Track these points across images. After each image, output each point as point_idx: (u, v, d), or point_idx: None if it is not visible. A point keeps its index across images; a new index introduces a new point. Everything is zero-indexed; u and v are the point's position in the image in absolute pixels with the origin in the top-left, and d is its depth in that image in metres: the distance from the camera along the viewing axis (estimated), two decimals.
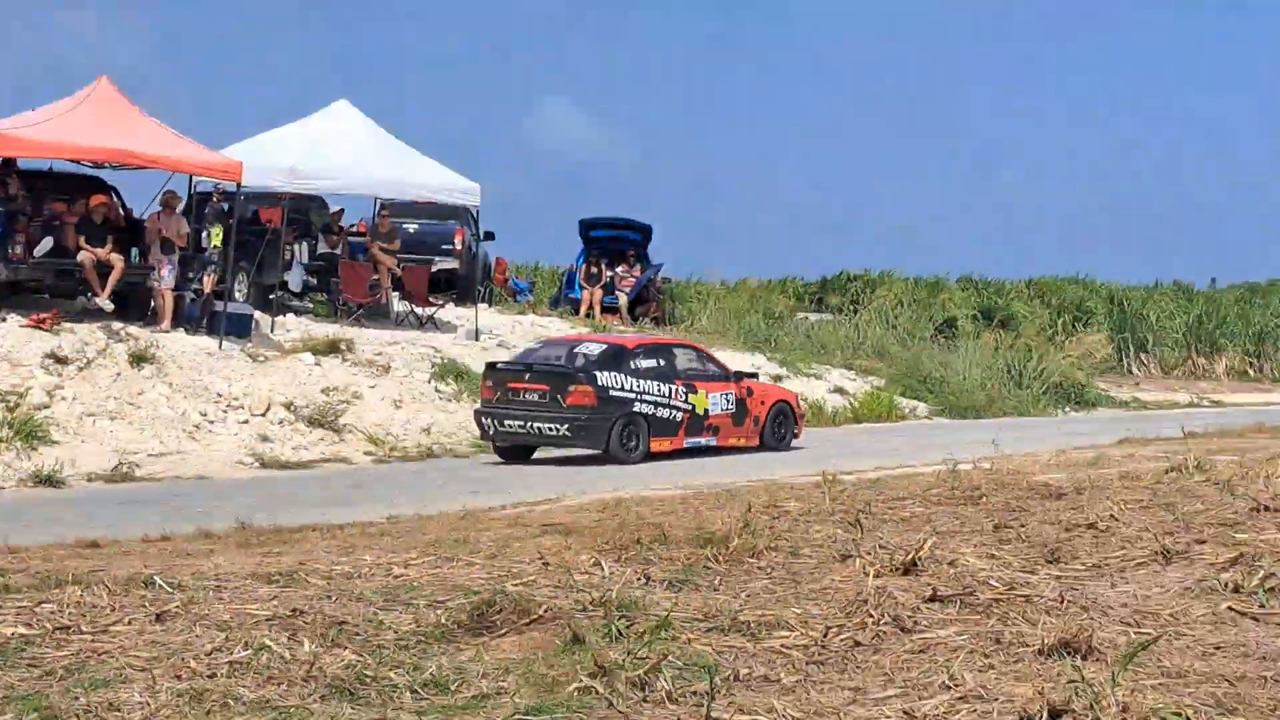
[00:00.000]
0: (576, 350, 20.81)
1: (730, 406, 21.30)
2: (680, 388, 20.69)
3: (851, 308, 41.26)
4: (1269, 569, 8.52)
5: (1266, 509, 11.08)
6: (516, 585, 8.14)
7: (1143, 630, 7.10)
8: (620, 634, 7.05)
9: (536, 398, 19.68)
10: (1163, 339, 44.99)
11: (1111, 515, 10.86)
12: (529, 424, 19.65)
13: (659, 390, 20.39)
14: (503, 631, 7.28)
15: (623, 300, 31.19)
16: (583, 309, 30.25)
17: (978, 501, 11.96)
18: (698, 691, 6.10)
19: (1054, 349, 38.69)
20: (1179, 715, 5.59)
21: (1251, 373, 45.79)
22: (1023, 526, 10.57)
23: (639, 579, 8.52)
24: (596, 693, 6.12)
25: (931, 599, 7.91)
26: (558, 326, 26.95)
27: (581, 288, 31.23)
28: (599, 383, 19.68)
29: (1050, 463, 15.91)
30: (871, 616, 7.42)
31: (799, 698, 6.14)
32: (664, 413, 20.39)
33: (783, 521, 10.89)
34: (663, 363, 20.98)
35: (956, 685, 6.23)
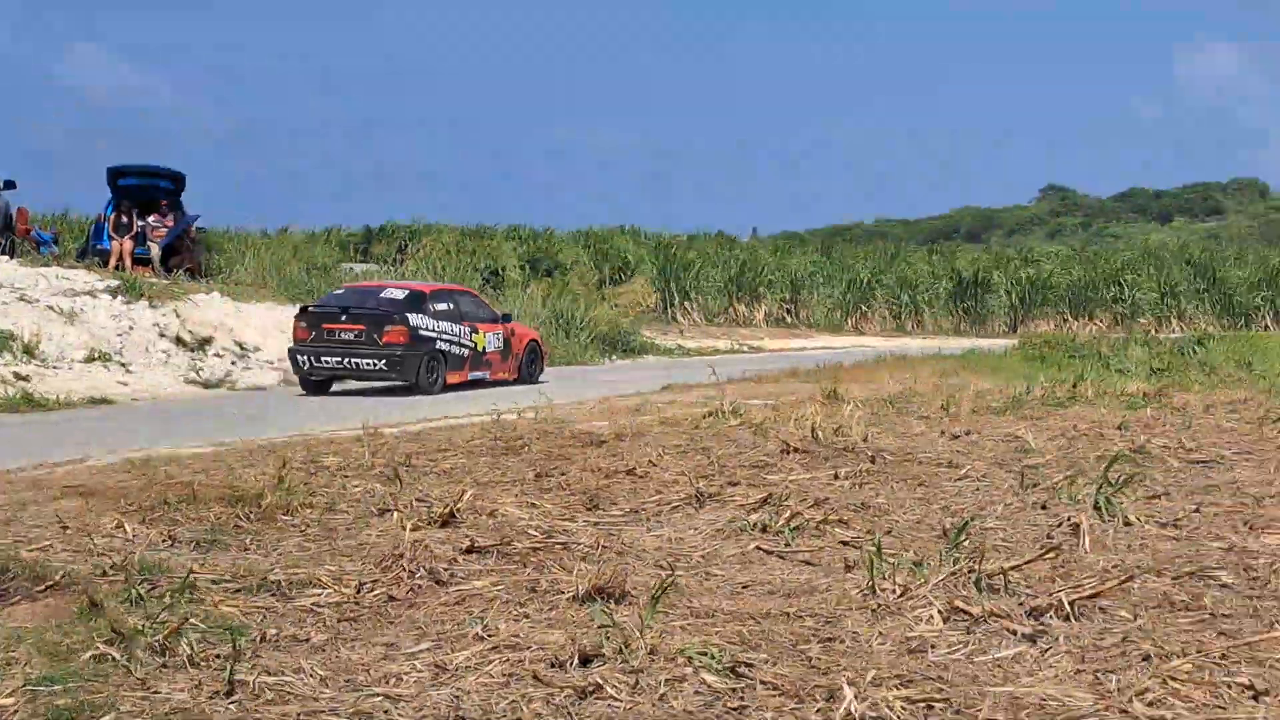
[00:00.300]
0: (383, 295, 23.38)
1: (500, 345, 24.20)
2: (467, 328, 23.39)
3: (398, 258, 40.95)
4: (795, 508, 8.81)
5: (796, 450, 11.52)
6: (32, 551, 7.64)
7: (675, 572, 7.19)
8: (141, 598, 6.68)
9: (353, 336, 22.00)
10: (706, 287, 46.44)
11: (650, 461, 11.06)
12: (347, 359, 21.93)
13: (453, 330, 23.05)
14: (15, 600, 6.80)
15: (155, 251, 29.83)
16: (112, 261, 28.75)
17: (520, 451, 12.00)
18: (221, 655, 5.82)
19: (601, 298, 39.36)
20: (704, 654, 5.65)
21: (789, 319, 47.86)
22: (563, 475, 10.63)
23: (164, 540, 8.13)
24: (113, 660, 5.76)
25: (469, 550, 7.82)
26: (85, 280, 25.60)
27: (110, 238, 29.67)
28: (410, 323, 22.13)
29: (594, 410, 16.15)
30: (407, 570, 7.27)
31: (329, 656, 5.94)
32: (456, 350, 23.07)
33: (320, 477, 10.64)
34: (452, 306, 23.57)
35: (490, 635, 6.15)
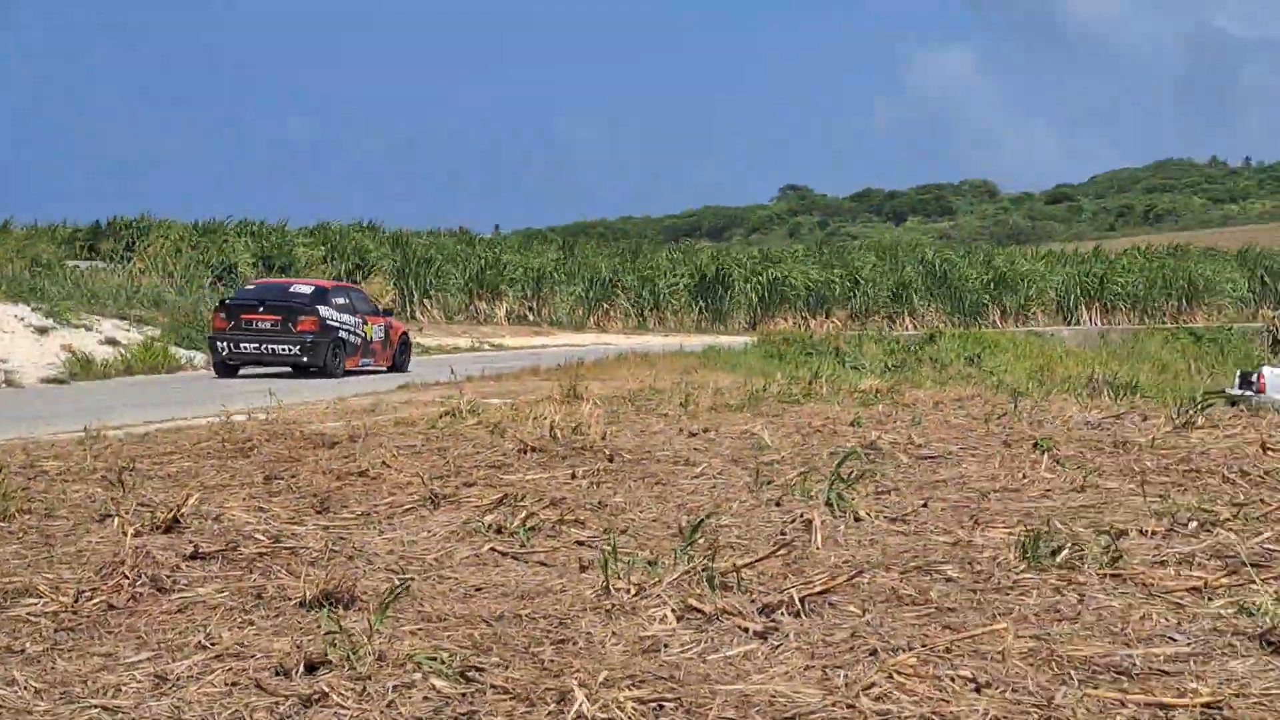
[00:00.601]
0: (292, 290, 26.71)
1: (383, 336, 27.56)
2: (360, 320, 26.79)
3: (126, 255, 39.69)
4: (530, 508, 8.73)
5: (533, 450, 11.44)
6: None
7: (407, 576, 7.04)
8: None
9: (269, 326, 25.15)
10: (446, 285, 46.15)
11: (383, 462, 10.87)
12: (264, 346, 25.06)
13: (350, 321, 26.43)
14: None
15: None
16: None
17: (250, 454, 11.70)
18: None
19: None
20: (434, 659, 5.52)
21: (531, 317, 47.88)
22: (294, 477, 10.38)
23: None
24: None
25: (194, 556, 7.54)
26: None
27: None
28: (320, 314, 25.47)
29: (328, 411, 15.84)
30: (128, 578, 6.97)
31: (44, 668, 5.66)
32: (353, 339, 26.35)
33: (39, 482, 10.21)
34: (348, 300, 26.98)
35: (214, 644, 5.92)
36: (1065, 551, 7.23)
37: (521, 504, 8.92)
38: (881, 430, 12.97)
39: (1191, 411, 13.60)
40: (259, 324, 25.15)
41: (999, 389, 19.15)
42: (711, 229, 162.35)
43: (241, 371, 25.76)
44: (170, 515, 8.43)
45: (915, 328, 52.06)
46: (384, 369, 27.09)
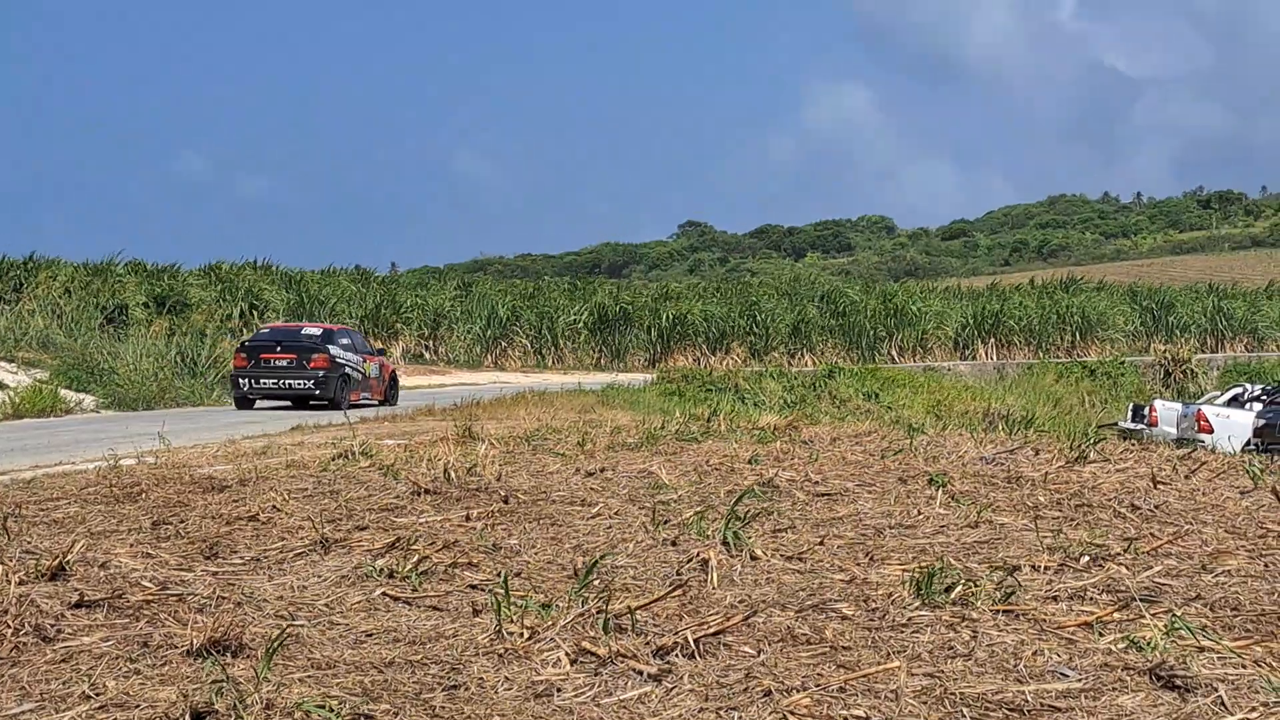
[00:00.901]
0: (303, 332, 30.34)
1: (377, 372, 31.23)
2: (360, 358, 30.25)
3: (14, 296, 39.04)
4: (423, 551, 8.62)
5: (427, 492, 11.32)
6: None
7: (297, 622, 6.92)
8: None
9: (285, 364, 28.64)
10: (341, 324, 45.86)
11: (274, 506, 10.70)
12: (281, 381, 28.56)
13: (353, 359, 29.91)
14: None
15: None
16: None
17: (138, 498, 11.47)
18: None
19: (231, 335, 38.42)
20: (323, 707, 5.42)
21: (428, 355, 47.64)
22: (183, 522, 10.18)
23: None
24: None
25: (79, 604, 7.36)
26: None
27: None
28: (330, 353, 29.00)
29: (218, 454, 15.61)
30: (10, 627, 6.80)
31: None
32: (355, 374, 29.82)
33: None
34: (350, 341, 30.63)
35: (98, 694, 5.78)
36: (959, 588, 7.24)
37: (414, 547, 8.81)
38: (779, 467, 12.97)
39: (1084, 445, 13.74)
40: (276, 362, 28.77)
41: (896, 424, 19.26)
42: (611, 266, 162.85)
43: (257, 405, 29.29)
44: (55, 562, 8.23)
45: (815, 363, 52.33)
46: (377, 402, 30.54)
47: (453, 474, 11.87)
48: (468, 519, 10.20)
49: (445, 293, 51.66)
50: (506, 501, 10.96)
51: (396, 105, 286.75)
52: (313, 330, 30.56)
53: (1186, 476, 12.26)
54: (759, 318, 55.25)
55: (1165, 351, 59.03)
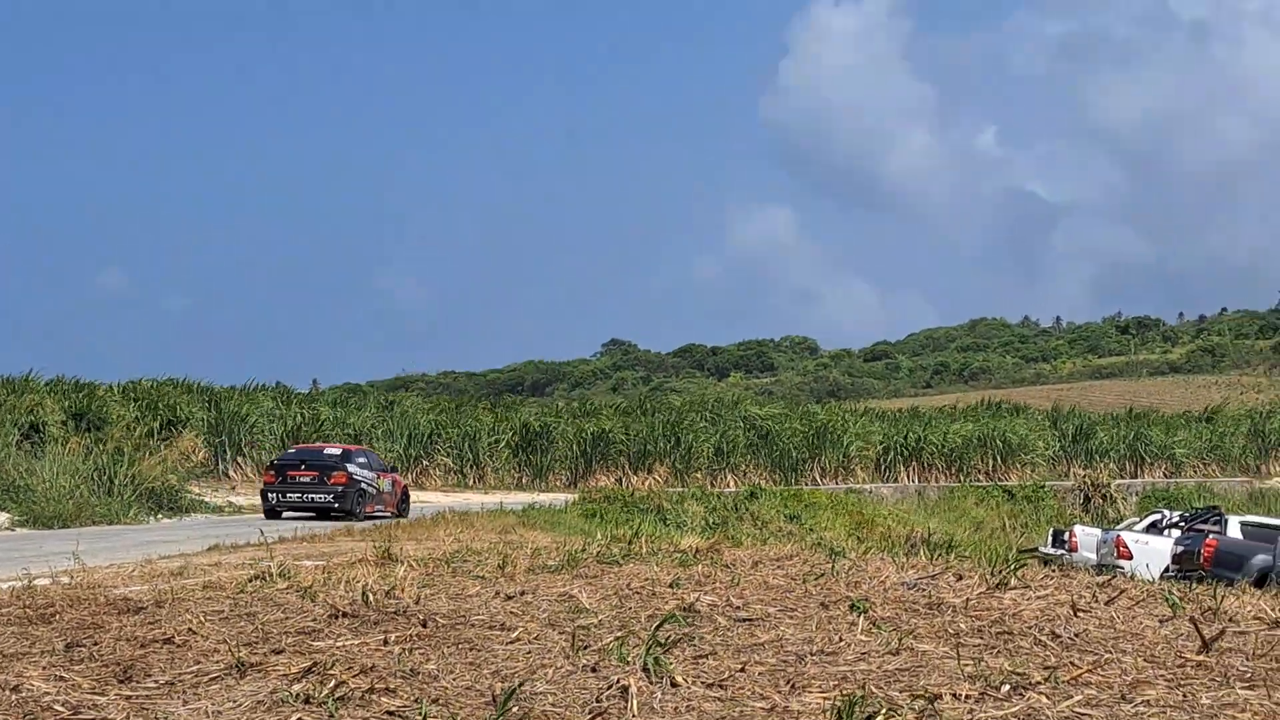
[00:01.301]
0: (325, 452, 33.74)
1: (390, 487, 34.14)
2: (375, 474, 33.30)
3: None
4: (340, 676, 8.50)
5: (345, 615, 11.17)
6: None
7: None
8: None
9: (309, 480, 31.86)
10: (262, 442, 45.44)
11: (190, 628, 10.53)
12: (305, 495, 31.77)
13: (368, 476, 33.00)
14: None
15: None
16: None
17: (51, 619, 11.27)
18: None
19: (149, 453, 37.98)
20: None
21: None
22: (96, 644, 10.00)
23: None
24: None
25: None
26: None
27: None
28: (349, 470, 32.23)
29: (134, 574, 15.36)
30: None
31: None
32: (370, 489, 32.83)
33: None
34: (367, 460, 34.10)
35: None
36: (880, 717, 7.22)
37: (331, 672, 8.68)
38: (700, 591, 12.92)
39: (1005, 571, 13.79)
40: (300, 479, 32.03)
41: (818, 547, 19.28)
42: (535, 384, 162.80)
43: (285, 515, 32.02)
44: None
45: (737, 484, 52.33)
46: (391, 514, 32.98)
47: (371, 597, 11.74)
48: (385, 643, 10.07)
49: (367, 410, 51.34)
50: (425, 625, 10.84)
51: (318, 221, 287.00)
52: (333, 450, 34.01)
53: (1106, 604, 12.31)
54: (682, 437, 55.26)
55: (1085, 477, 59.49)
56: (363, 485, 32.64)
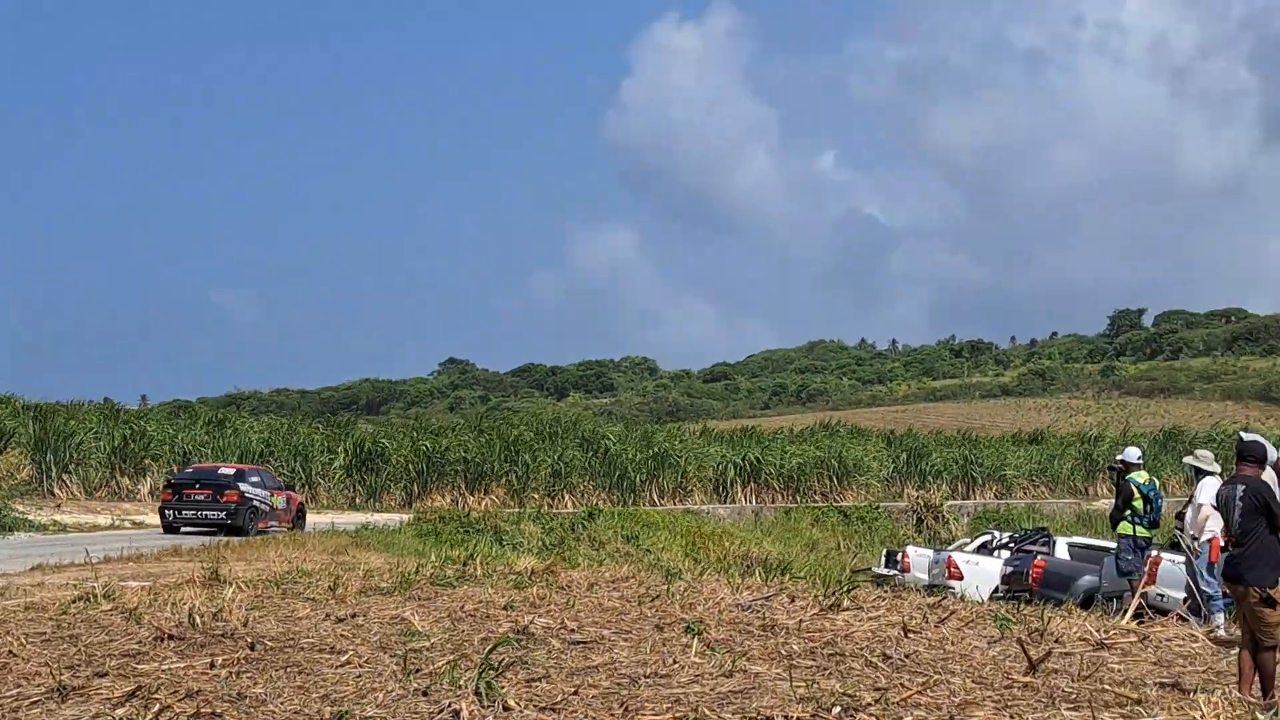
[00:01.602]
0: (219, 472, 35.16)
1: (284, 504, 35.36)
2: (268, 493, 34.52)
3: None
4: (165, 701, 8.31)
5: (170, 637, 10.93)
6: None
7: None
8: None
9: (204, 498, 33.22)
10: (88, 459, 44.34)
11: (10, 651, 10.24)
12: (199, 512, 33.10)
13: (261, 494, 34.15)
14: None
15: None
16: None
17: None
18: None
19: None
20: None
21: None
22: None
23: None
24: None
25: None
26: None
27: None
28: (240, 489, 33.45)
29: None
30: None
31: None
32: (264, 506, 33.95)
33: None
34: (260, 478, 35.13)
35: None
36: None
37: (155, 696, 8.49)
38: (535, 614, 12.86)
39: (838, 593, 13.91)
40: (196, 496, 33.33)
41: (655, 568, 19.30)
42: (370, 402, 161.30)
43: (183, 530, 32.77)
44: None
45: (575, 505, 52.21)
46: (286, 528, 34.04)
47: (198, 619, 11.51)
48: (212, 666, 9.87)
49: (196, 428, 50.32)
50: (253, 648, 10.64)
51: (149, 234, 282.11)
52: (227, 470, 35.48)
53: (937, 625, 12.48)
54: (519, 457, 55.00)
55: (918, 497, 60.23)
56: (255, 502, 33.81)
